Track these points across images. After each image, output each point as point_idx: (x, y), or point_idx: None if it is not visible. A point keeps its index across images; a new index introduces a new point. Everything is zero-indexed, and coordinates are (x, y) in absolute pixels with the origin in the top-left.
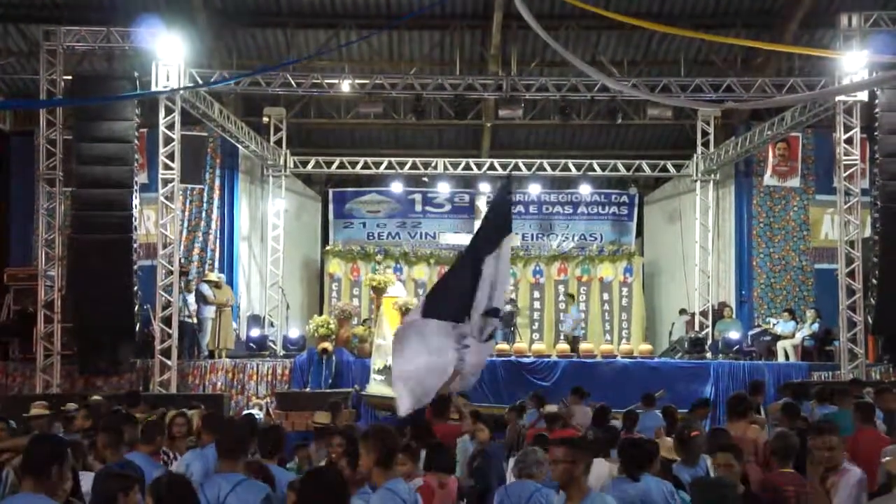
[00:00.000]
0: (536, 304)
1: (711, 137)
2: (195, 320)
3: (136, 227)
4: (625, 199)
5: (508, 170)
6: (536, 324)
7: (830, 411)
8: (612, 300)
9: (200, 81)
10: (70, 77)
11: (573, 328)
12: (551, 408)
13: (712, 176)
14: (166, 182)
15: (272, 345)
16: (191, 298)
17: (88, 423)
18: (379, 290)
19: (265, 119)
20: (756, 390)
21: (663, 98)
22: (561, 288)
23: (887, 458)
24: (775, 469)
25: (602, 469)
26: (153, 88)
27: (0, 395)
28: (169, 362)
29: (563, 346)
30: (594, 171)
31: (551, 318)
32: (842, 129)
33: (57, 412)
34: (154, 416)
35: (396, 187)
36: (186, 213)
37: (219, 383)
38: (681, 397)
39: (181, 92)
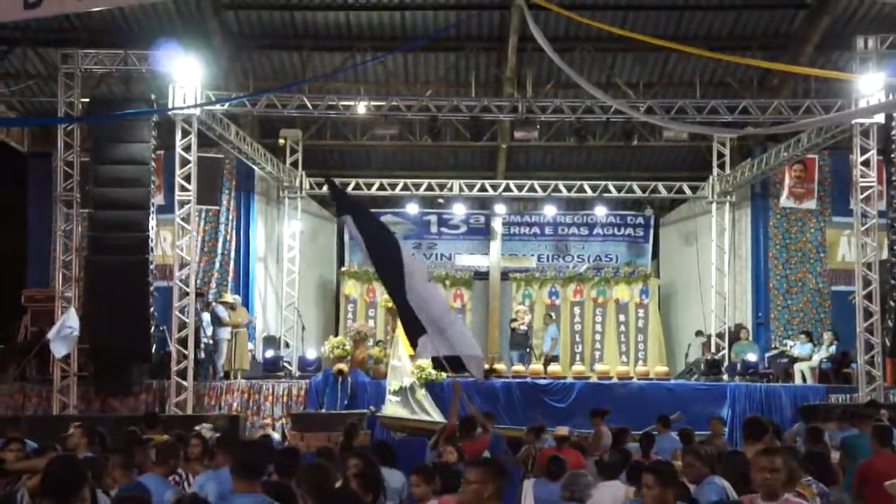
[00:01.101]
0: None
1: (727, 159)
2: (211, 341)
3: (152, 249)
4: (640, 220)
5: (524, 190)
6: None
7: (850, 434)
8: (629, 322)
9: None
10: (87, 100)
11: (551, 347)
12: (562, 430)
13: (728, 197)
14: (182, 203)
15: (288, 366)
16: (207, 319)
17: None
18: (394, 312)
19: (281, 141)
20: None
21: (680, 126)
22: (577, 310)
23: (892, 482)
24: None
25: (618, 492)
26: (170, 111)
27: (20, 415)
28: (185, 383)
29: (579, 368)
30: (609, 192)
31: (567, 340)
32: (858, 150)
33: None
34: (169, 437)
35: (412, 209)
36: (202, 235)
37: (234, 404)
38: (697, 419)
39: (197, 114)
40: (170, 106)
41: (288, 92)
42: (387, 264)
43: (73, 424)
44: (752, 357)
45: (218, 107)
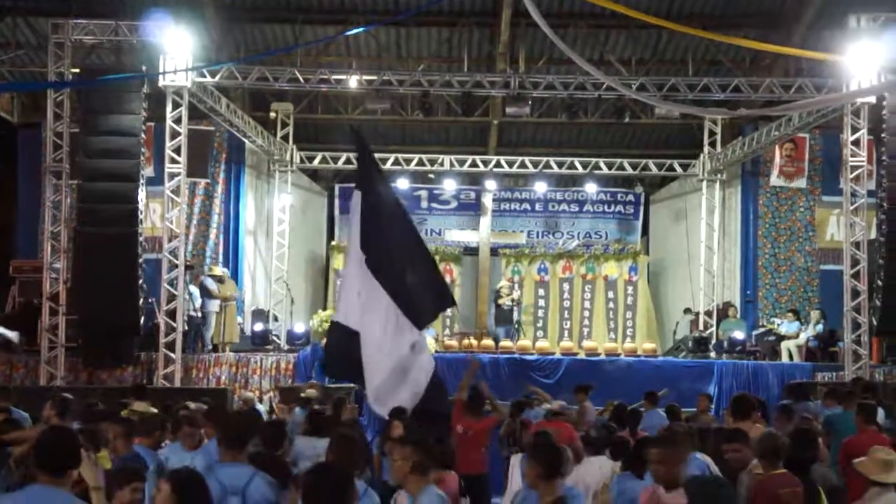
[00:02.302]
0: (541, 302)
1: (718, 137)
2: (199, 314)
3: (141, 221)
4: (631, 197)
5: (515, 167)
6: (540, 321)
7: (833, 412)
8: (617, 298)
9: (207, 75)
10: (78, 70)
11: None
12: (555, 404)
13: (719, 176)
14: (172, 176)
15: (276, 339)
16: (196, 292)
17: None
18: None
19: (272, 114)
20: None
21: (671, 105)
22: (566, 286)
23: (859, 459)
24: (766, 471)
25: (604, 467)
26: (160, 82)
27: (7, 385)
28: (173, 356)
29: (568, 344)
30: (600, 169)
31: (556, 316)
32: (849, 130)
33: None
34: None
35: (402, 184)
36: (192, 207)
37: (223, 377)
38: (684, 396)
39: (188, 86)
40: (160, 77)
41: (280, 65)
42: (385, 253)
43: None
44: (739, 335)
45: (209, 79)
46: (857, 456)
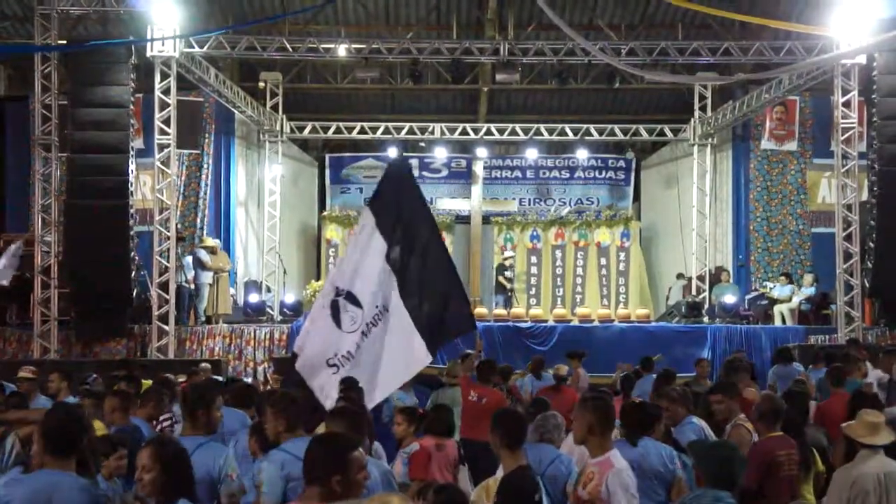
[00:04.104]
0: (534, 270)
1: (709, 101)
2: (192, 286)
3: (132, 193)
4: (622, 163)
5: (506, 134)
6: (534, 289)
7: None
8: (610, 265)
9: (195, 45)
10: (64, 42)
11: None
12: (562, 368)
13: (709, 140)
14: (162, 147)
15: (269, 310)
16: (189, 262)
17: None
18: None
19: (261, 84)
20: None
21: (662, 76)
22: (558, 253)
23: (848, 423)
24: (763, 433)
25: None
26: (148, 53)
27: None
28: (167, 328)
29: (561, 311)
30: (591, 135)
31: (549, 284)
32: (839, 92)
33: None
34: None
35: (393, 152)
36: (182, 179)
37: (216, 349)
38: (678, 361)
39: (176, 56)
40: (148, 47)
41: (268, 34)
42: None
43: (23, 368)
44: (732, 299)
45: (197, 49)
46: (831, 419)
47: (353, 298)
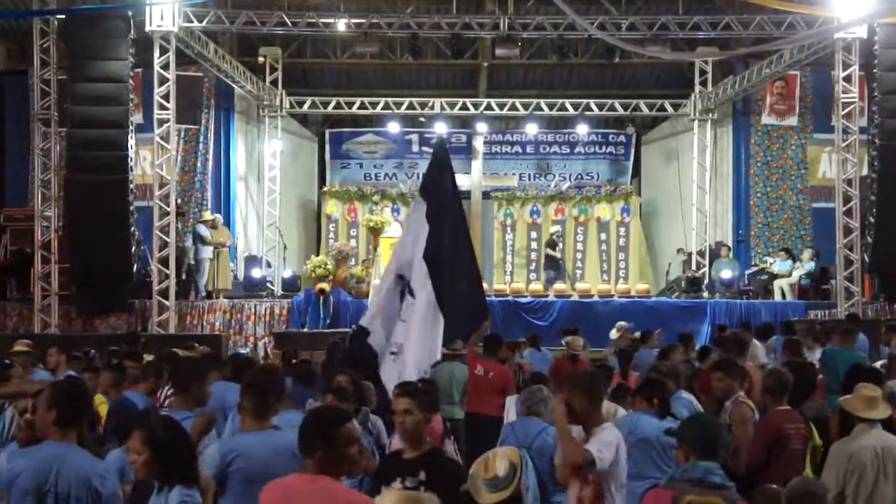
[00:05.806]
0: (534, 245)
1: (709, 76)
2: (192, 261)
3: (131, 168)
4: (622, 138)
5: (506, 109)
6: (534, 264)
7: (826, 348)
8: (610, 240)
9: (194, 20)
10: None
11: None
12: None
13: (710, 115)
14: (161, 122)
15: (270, 285)
16: (189, 237)
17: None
18: (376, 231)
19: (261, 59)
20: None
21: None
22: (558, 228)
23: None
24: (770, 407)
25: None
26: (147, 27)
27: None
28: (167, 303)
29: (561, 286)
30: (591, 110)
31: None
32: (840, 66)
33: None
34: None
35: (393, 128)
36: (182, 154)
37: (217, 323)
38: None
39: (175, 31)
40: (147, 21)
41: (267, 9)
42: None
43: (18, 341)
44: (732, 274)
45: (196, 23)
46: None
47: (411, 289)
